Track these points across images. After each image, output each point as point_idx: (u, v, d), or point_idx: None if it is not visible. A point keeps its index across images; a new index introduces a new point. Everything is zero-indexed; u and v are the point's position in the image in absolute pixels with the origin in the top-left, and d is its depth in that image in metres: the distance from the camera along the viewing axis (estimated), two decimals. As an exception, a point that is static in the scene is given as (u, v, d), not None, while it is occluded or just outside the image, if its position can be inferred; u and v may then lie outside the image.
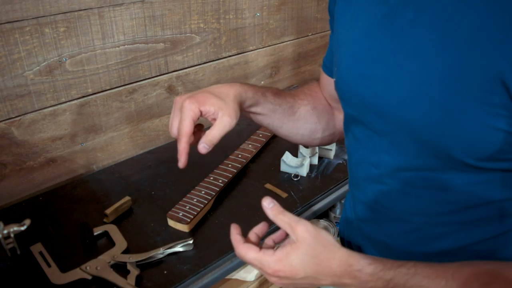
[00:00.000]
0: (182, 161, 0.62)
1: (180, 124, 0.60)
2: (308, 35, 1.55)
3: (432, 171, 0.53)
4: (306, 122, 0.76)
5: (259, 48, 1.40)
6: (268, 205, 0.56)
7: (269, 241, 0.58)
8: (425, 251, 0.61)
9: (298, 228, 0.53)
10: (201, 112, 0.61)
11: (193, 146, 0.63)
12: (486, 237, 0.56)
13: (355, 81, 0.59)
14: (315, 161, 1.12)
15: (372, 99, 0.56)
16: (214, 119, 0.62)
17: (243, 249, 0.55)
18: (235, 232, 0.57)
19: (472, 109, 0.46)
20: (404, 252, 0.63)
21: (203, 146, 0.62)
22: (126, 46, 1.07)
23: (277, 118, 0.73)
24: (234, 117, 0.62)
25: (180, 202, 0.93)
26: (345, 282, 0.52)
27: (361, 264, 0.51)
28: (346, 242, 0.80)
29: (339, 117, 0.79)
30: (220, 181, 1.00)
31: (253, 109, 0.71)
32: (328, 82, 0.76)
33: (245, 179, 1.07)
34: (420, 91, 0.49)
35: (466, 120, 0.46)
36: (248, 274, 0.90)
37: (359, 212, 0.71)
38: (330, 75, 0.75)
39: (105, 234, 0.88)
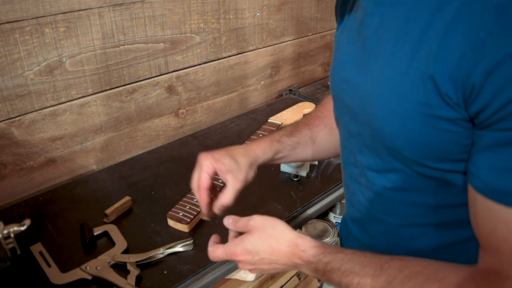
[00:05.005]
0: (204, 212, 0.71)
1: (200, 179, 0.69)
2: (308, 35, 1.55)
3: (396, 172, 0.56)
4: (328, 143, 0.81)
5: (259, 48, 1.40)
6: (228, 221, 0.64)
7: (232, 233, 0.65)
8: (403, 252, 0.62)
9: (249, 223, 0.61)
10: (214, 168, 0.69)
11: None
12: (459, 240, 0.57)
13: (338, 85, 0.63)
14: (315, 161, 1.12)
15: (347, 101, 0.60)
16: (225, 179, 0.69)
17: (212, 250, 0.63)
18: (211, 240, 0.65)
19: (414, 111, 0.48)
20: (387, 253, 0.65)
21: (218, 209, 0.70)
22: (126, 46, 1.07)
23: (300, 153, 0.79)
24: (243, 181, 0.69)
25: (180, 202, 0.93)
26: (296, 262, 0.57)
27: (306, 246, 0.56)
28: (344, 245, 0.81)
29: None
30: (220, 181, 1.00)
31: (276, 158, 0.77)
32: None
33: (245, 179, 1.06)
34: (376, 93, 0.53)
35: (411, 121, 0.49)
36: (248, 274, 0.90)
37: (349, 213, 0.73)
38: None
39: (105, 234, 0.88)
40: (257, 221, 0.60)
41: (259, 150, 0.73)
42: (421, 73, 0.47)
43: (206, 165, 0.69)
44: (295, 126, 0.80)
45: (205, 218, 0.73)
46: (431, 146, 0.49)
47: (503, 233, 0.44)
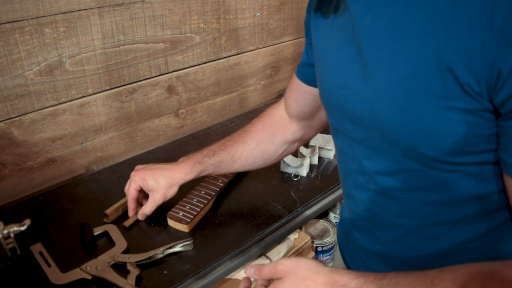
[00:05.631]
0: (129, 215, 0.91)
1: (128, 191, 0.89)
2: (308, 35, 1.55)
3: (411, 172, 0.55)
4: (255, 157, 0.88)
5: (259, 48, 1.40)
6: (251, 272, 0.60)
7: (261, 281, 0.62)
8: (422, 254, 0.61)
9: (278, 268, 0.56)
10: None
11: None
12: (479, 233, 0.57)
13: (333, 91, 0.62)
14: (315, 161, 1.12)
15: (348, 107, 0.59)
16: (148, 193, 0.89)
17: None
18: (241, 286, 0.64)
19: (432, 106, 0.47)
20: (402, 258, 0.64)
21: (141, 216, 0.90)
22: (126, 46, 1.07)
23: (225, 168, 0.88)
24: (161, 199, 0.87)
25: (180, 202, 0.93)
26: None
27: (345, 279, 0.53)
28: (345, 254, 0.80)
29: (296, 126, 0.86)
30: (220, 181, 1.00)
31: (201, 175, 0.88)
32: (298, 87, 0.80)
33: (245, 179, 1.07)
34: (385, 94, 0.52)
35: (429, 117, 0.48)
36: (248, 274, 0.90)
37: (354, 223, 0.72)
38: (304, 80, 0.78)
39: (105, 234, 0.88)
40: (287, 264, 0.56)
41: (181, 173, 0.86)
42: (434, 66, 0.46)
43: (134, 182, 0.87)
44: (222, 144, 0.88)
45: (126, 224, 0.90)
46: (451, 140, 0.48)
47: None
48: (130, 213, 0.91)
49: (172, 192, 0.87)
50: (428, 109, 0.48)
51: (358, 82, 0.55)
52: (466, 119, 0.46)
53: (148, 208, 0.88)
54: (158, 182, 0.85)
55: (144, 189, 0.88)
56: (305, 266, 0.55)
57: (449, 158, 0.50)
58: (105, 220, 0.91)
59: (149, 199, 0.88)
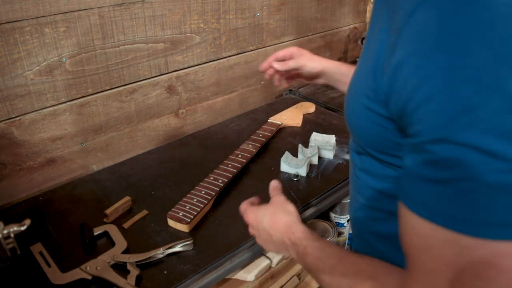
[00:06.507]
0: (262, 67, 0.98)
1: (278, 52, 0.96)
2: (308, 35, 1.55)
3: (363, 155, 0.60)
4: None
5: (259, 48, 1.40)
6: (274, 183, 0.81)
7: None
8: (368, 232, 0.65)
9: (273, 198, 0.76)
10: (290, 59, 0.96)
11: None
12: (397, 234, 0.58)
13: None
14: (315, 161, 1.12)
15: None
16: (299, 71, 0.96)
17: (243, 204, 0.79)
18: (251, 198, 0.81)
19: (359, 103, 0.51)
20: (357, 232, 0.70)
21: (278, 66, 0.95)
22: (126, 46, 1.07)
23: None
24: (306, 59, 0.94)
25: (180, 202, 0.93)
26: (285, 242, 0.66)
27: (296, 229, 0.66)
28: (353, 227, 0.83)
29: None
30: (220, 181, 1.00)
31: (339, 78, 0.92)
32: None
33: (245, 179, 1.06)
34: (350, 82, 0.57)
35: (357, 112, 0.53)
36: (248, 274, 0.90)
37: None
38: None
39: (105, 234, 0.88)
40: (278, 199, 0.75)
41: (330, 63, 0.93)
42: (371, 68, 0.49)
43: (287, 50, 0.95)
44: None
45: (125, 226, 0.90)
46: (372, 138, 0.53)
47: (409, 237, 0.45)
48: (264, 65, 0.96)
49: (314, 64, 0.93)
50: (357, 105, 0.52)
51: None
52: (380, 122, 0.49)
53: (291, 63, 0.94)
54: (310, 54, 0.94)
55: (295, 51, 0.95)
56: (285, 208, 0.72)
57: (375, 154, 0.55)
58: (105, 220, 0.91)
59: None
